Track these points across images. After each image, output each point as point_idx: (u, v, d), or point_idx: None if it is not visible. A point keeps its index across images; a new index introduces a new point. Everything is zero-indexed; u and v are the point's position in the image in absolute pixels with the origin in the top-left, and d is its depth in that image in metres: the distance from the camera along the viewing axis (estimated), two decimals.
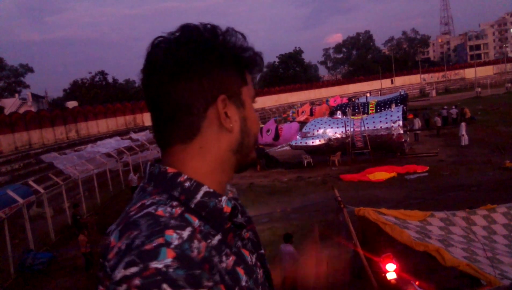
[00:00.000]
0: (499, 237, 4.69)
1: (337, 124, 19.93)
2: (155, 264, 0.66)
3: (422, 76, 74.48)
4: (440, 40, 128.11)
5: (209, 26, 0.85)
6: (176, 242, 0.70)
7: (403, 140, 19.09)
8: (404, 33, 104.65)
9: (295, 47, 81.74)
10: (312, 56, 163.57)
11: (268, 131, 24.25)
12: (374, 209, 4.66)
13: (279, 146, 24.64)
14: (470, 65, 77.84)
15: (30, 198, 13.34)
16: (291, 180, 17.48)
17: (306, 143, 19.65)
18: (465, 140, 20.54)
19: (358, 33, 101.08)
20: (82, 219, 13.25)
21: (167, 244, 0.69)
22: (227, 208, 0.81)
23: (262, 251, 0.94)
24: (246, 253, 0.86)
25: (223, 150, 0.85)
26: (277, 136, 24.00)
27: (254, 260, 0.88)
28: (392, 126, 18.66)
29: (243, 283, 0.79)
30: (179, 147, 0.84)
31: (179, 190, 0.80)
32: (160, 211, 0.75)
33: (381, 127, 18.93)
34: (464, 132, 20.59)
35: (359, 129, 19.18)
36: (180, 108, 0.81)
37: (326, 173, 17.82)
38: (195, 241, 0.72)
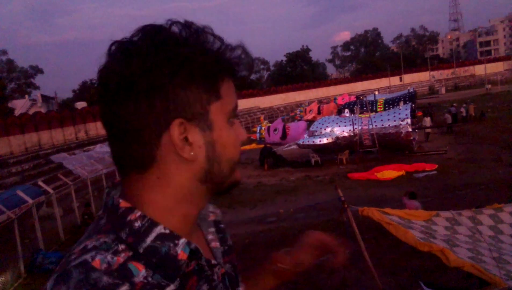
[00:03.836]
0: (506, 237, 4.63)
1: (345, 122, 19.87)
2: None
3: (431, 73, 73.97)
4: (449, 37, 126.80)
5: (176, 28, 0.69)
6: None
7: (412, 138, 18.96)
8: (412, 30, 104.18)
9: (303, 46, 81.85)
10: (320, 54, 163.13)
11: (275, 130, 24.29)
12: (378, 209, 4.64)
13: (286, 145, 24.61)
14: (480, 62, 77.11)
15: (39, 198, 13.47)
16: (299, 179, 17.44)
17: (313, 141, 19.61)
18: None
19: (366, 31, 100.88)
20: (90, 219, 13.37)
21: None
22: (183, 255, 0.67)
23: (240, 288, 0.83)
24: None
25: (186, 180, 0.71)
26: (284, 135, 24.02)
27: None
28: (401, 124, 18.54)
29: None
30: (134, 176, 0.71)
31: (127, 231, 0.67)
32: (97, 260, 0.63)
33: (389, 125, 18.82)
34: None
35: (367, 127, 19.09)
36: (129, 134, 0.67)
37: (334, 172, 17.75)
38: None
